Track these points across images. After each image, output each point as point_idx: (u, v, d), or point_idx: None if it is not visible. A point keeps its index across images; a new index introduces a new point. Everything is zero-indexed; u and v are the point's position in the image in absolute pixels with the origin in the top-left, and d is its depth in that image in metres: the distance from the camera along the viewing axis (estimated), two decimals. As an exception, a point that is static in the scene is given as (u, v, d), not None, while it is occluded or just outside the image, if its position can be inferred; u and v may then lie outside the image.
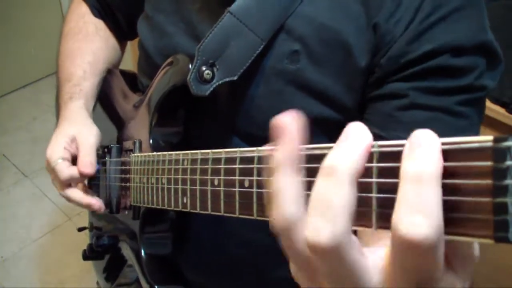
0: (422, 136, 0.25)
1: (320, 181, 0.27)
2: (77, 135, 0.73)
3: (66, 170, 0.71)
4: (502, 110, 1.09)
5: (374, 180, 0.28)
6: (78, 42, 0.83)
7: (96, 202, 0.73)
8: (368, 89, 0.56)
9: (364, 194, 0.28)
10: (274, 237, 0.30)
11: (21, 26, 2.43)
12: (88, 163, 0.71)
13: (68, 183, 0.72)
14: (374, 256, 0.28)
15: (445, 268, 0.26)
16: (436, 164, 0.24)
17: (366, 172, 0.28)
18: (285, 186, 0.28)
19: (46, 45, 1.94)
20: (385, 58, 0.53)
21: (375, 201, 0.28)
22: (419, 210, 0.24)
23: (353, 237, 0.27)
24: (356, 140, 0.27)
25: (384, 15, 0.53)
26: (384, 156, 0.28)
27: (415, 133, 0.25)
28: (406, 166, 0.25)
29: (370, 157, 0.28)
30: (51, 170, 0.72)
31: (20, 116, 2.40)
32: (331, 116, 0.59)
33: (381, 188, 0.28)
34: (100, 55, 0.83)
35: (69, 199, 0.74)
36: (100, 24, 0.86)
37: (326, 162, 0.27)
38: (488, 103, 1.06)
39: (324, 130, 0.60)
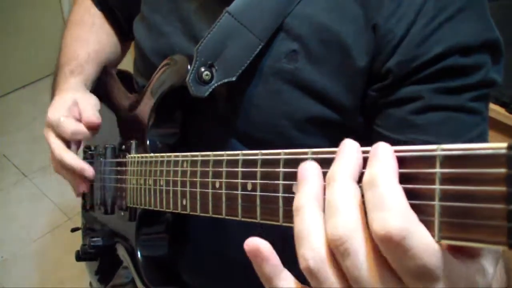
0: (376, 148, 0.29)
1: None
2: (78, 99, 0.74)
3: (72, 124, 0.71)
4: (502, 110, 1.09)
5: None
6: (85, 32, 0.84)
7: (89, 168, 0.72)
8: (379, 96, 0.56)
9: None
10: (271, 239, 0.32)
11: (21, 26, 2.42)
12: (93, 116, 0.72)
13: (68, 141, 0.72)
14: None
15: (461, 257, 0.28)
16: (386, 166, 0.28)
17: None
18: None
19: (46, 45, 1.93)
20: (395, 64, 0.53)
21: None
22: (381, 208, 0.27)
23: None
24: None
25: (384, 15, 0.53)
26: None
27: (373, 147, 0.29)
28: (364, 176, 0.28)
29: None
30: (54, 127, 0.72)
31: (20, 116, 2.39)
32: (329, 116, 0.58)
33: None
34: (105, 46, 0.84)
35: (63, 164, 0.72)
36: (105, 19, 0.86)
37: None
38: (488, 103, 1.06)
39: (323, 130, 0.60)
